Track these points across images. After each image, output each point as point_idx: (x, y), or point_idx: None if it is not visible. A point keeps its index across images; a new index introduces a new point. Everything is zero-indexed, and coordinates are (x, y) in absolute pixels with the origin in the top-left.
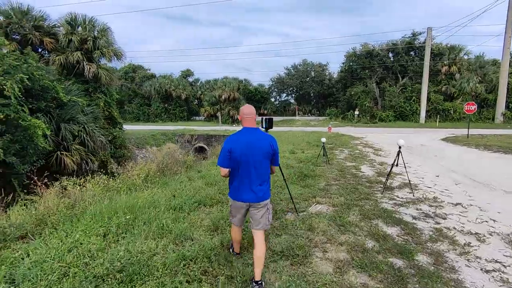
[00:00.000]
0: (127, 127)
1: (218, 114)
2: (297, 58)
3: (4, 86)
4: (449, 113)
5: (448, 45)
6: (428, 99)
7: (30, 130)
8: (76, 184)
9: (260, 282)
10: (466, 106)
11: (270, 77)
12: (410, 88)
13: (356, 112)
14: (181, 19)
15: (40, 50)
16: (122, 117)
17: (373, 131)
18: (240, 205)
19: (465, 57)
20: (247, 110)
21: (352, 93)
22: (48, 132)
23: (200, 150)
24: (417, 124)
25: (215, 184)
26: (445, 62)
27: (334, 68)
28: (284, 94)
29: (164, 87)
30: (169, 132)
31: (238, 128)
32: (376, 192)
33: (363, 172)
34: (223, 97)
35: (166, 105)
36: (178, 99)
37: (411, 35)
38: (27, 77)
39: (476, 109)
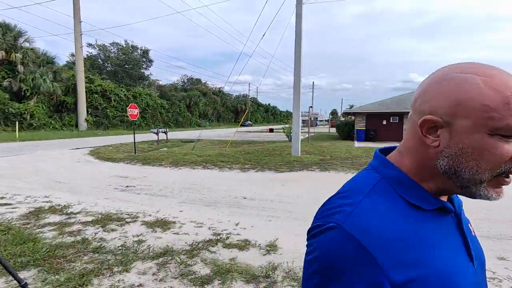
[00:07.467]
0: None
1: None
2: None
3: None
4: (25, 118)
5: (1, 22)
6: None
7: None
8: None
9: None
10: (129, 110)
11: None
12: None
13: None
14: None
15: None
16: None
17: None
18: None
19: (27, 44)
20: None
21: None
22: None
23: None
24: None
25: None
26: (3, 46)
27: None
28: None
29: None
30: None
31: None
32: None
33: None
34: None
35: None
36: None
37: None
38: None
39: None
